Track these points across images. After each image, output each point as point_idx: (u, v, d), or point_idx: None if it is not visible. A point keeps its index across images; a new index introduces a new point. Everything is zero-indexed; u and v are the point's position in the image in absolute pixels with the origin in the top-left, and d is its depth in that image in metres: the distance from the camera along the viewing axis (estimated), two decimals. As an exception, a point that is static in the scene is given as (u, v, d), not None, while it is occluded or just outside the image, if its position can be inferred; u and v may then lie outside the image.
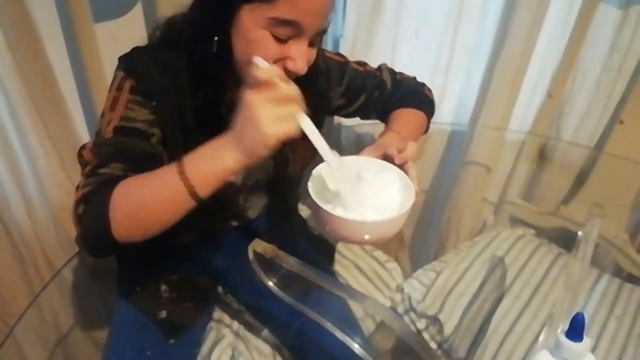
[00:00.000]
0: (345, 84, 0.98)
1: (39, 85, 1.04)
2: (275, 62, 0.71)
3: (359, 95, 1.01)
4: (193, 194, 0.62)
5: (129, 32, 1.14)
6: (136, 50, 0.79)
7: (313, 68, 0.78)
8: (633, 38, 1.26)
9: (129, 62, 0.77)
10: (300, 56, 0.71)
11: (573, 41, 1.30)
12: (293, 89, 0.61)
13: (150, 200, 0.64)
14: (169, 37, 0.80)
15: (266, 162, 0.95)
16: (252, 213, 1.01)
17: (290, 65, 0.71)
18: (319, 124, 0.99)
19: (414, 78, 1.06)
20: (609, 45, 1.30)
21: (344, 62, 0.99)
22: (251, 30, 0.69)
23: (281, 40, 0.69)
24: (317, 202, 0.65)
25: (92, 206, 0.66)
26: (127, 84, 0.74)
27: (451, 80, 1.41)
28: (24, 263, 1.18)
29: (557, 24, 1.31)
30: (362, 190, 0.69)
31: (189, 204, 0.63)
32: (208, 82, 0.77)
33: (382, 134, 0.89)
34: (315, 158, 0.96)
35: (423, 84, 1.04)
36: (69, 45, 1.11)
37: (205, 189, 0.62)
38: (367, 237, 0.66)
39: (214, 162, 0.61)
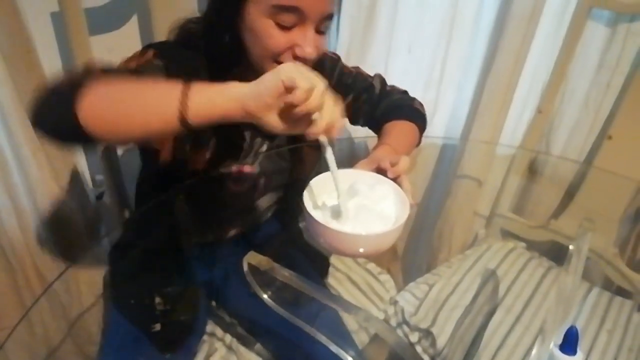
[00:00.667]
0: (335, 78, 0.99)
1: (32, 96, 1.04)
2: (284, 51, 0.73)
3: (347, 94, 1.01)
4: (183, 116, 0.60)
5: (125, 45, 1.15)
6: (162, 42, 0.81)
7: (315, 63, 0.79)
8: (621, 55, 1.28)
9: (159, 45, 0.79)
10: (306, 41, 0.73)
11: (562, 57, 1.33)
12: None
13: (133, 102, 0.62)
14: (183, 38, 0.82)
15: (282, 164, 0.96)
16: (261, 213, 1.03)
17: (299, 51, 0.73)
18: None
19: (406, 91, 1.07)
20: (597, 62, 1.33)
21: (336, 58, 1.01)
22: (256, 21, 0.72)
23: (286, 29, 0.72)
24: (311, 215, 0.65)
25: (63, 84, 0.64)
26: (151, 53, 0.76)
27: (443, 94, 1.43)
28: (15, 274, 1.16)
29: (547, 40, 1.33)
30: (356, 203, 0.69)
31: (171, 125, 0.61)
32: (222, 77, 0.79)
33: (375, 148, 0.89)
34: (318, 165, 0.98)
35: (414, 98, 1.05)
36: (64, 57, 1.11)
37: (196, 117, 0.60)
38: (361, 250, 0.67)
39: (220, 93, 0.61)
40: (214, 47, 0.78)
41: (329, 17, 0.75)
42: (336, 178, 0.67)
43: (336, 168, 0.66)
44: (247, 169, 0.93)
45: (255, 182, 0.95)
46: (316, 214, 0.66)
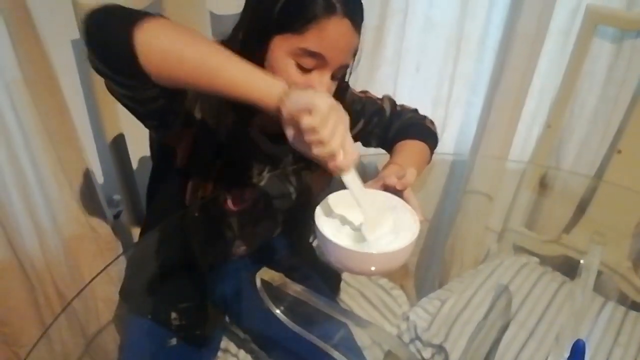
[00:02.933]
0: (347, 103, 1.00)
1: (54, 120, 1.08)
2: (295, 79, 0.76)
3: (358, 120, 1.02)
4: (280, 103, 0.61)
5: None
6: None
7: None
8: (627, 70, 1.29)
9: None
10: (322, 86, 0.76)
11: (569, 73, 1.34)
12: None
13: (202, 53, 0.63)
14: None
15: (287, 189, 0.98)
16: (264, 234, 1.04)
17: None
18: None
19: (416, 110, 1.07)
20: (604, 77, 1.33)
21: (344, 87, 1.02)
22: (280, 59, 0.75)
23: (305, 70, 0.75)
24: (323, 234, 0.65)
25: (118, 21, 0.62)
26: None
27: (452, 112, 1.45)
28: (35, 293, 1.19)
29: (554, 57, 1.35)
30: (367, 220, 0.69)
31: (259, 100, 0.63)
32: (238, 106, 0.82)
33: (384, 167, 0.90)
34: (327, 188, 1.00)
35: (424, 117, 1.06)
36: (84, 83, 1.15)
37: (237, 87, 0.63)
38: (373, 268, 0.67)
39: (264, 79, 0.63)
40: None
41: (346, 66, 0.80)
42: (357, 198, 0.67)
43: (359, 190, 0.67)
44: (248, 191, 0.95)
45: (255, 204, 0.97)
46: (329, 232, 0.66)
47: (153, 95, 0.70)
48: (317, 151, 0.60)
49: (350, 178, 0.65)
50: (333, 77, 0.79)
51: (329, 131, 0.58)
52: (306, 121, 0.58)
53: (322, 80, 0.77)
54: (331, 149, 0.59)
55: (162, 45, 0.62)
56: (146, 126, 0.85)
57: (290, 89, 0.62)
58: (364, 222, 0.69)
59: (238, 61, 0.64)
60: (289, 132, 0.62)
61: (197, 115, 0.83)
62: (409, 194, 0.74)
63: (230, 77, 0.63)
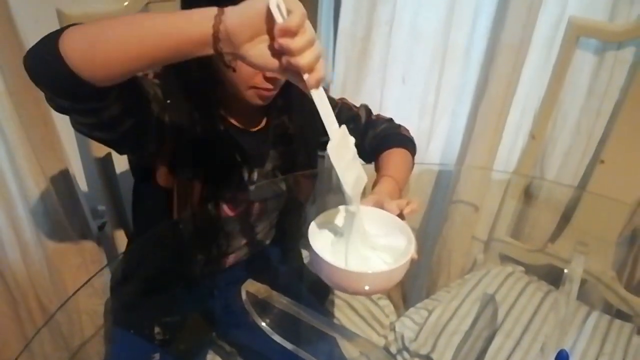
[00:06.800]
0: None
1: (37, 129, 1.07)
2: (254, 74, 0.76)
3: None
4: (216, 34, 0.54)
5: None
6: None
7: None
8: (609, 81, 1.31)
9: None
10: None
11: (552, 84, 1.36)
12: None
13: (121, 28, 0.59)
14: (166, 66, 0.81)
15: (280, 188, 0.98)
16: (258, 240, 1.03)
17: (268, 72, 0.69)
18: (313, 159, 1.03)
19: (391, 119, 1.08)
20: (587, 88, 1.35)
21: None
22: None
23: None
24: (317, 253, 0.64)
25: (44, 39, 0.60)
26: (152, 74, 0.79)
27: (437, 122, 1.46)
28: (17, 307, 1.17)
29: (537, 68, 1.37)
30: (363, 239, 0.69)
31: (195, 43, 0.56)
32: (200, 105, 0.81)
33: (377, 181, 0.88)
34: (314, 193, 0.99)
35: (399, 125, 1.07)
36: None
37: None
38: (367, 288, 0.65)
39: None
40: (192, 74, 0.81)
41: None
42: (349, 210, 0.66)
43: (327, 108, 0.60)
44: (240, 195, 0.94)
45: (250, 207, 0.97)
46: (322, 250, 0.64)
47: (116, 113, 0.69)
48: (292, 62, 0.53)
49: (320, 94, 0.58)
50: None
51: (308, 37, 0.53)
52: (284, 24, 0.51)
53: None
54: (308, 59, 0.53)
55: (81, 42, 0.59)
56: (123, 153, 0.85)
57: (222, 10, 0.54)
58: (355, 239, 0.68)
59: (157, 15, 0.59)
60: (250, 51, 0.55)
61: (167, 123, 0.81)
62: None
63: (156, 32, 0.57)
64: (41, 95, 1.03)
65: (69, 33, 0.59)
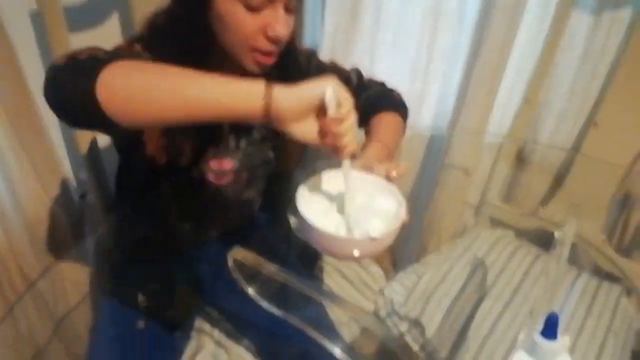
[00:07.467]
0: (311, 73, 0.97)
1: (14, 97, 1.03)
2: (256, 34, 0.73)
3: None
4: (267, 110, 0.61)
5: (106, 43, 1.13)
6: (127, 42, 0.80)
7: (290, 55, 0.82)
8: (605, 43, 1.28)
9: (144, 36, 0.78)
10: (277, 20, 0.72)
11: (548, 46, 1.33)
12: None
13: (167, 84, 0.60)
14: (153, 34, 0.80)
15: (266, 156, 0.96)
16: (247, 207, 1.02)
17: (270, 31, 0.73)
18: None
19: (383, 83, 1.06)
20: (582, 50, 1.32)
21: (310, 53, 1.00)
22: (225, 7, 0.71)
23: (256, 11, 0.71)
24: (306, 218, 0.63)
25: (78, 74, 0.59)
26: (138, 46, 0.76)
27: (429, 85, 1.43)
28: (-1, 278, 1.15)
29: (532, 30, 1.33)
30: (353, 204, 0.68)
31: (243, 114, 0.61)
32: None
33: (366, 146, 0.87)
34: (304, 159, 0.98)
35: (392, 89, 1.05)
36: (44, 56, 1.09)
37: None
38: (357, 253, 0.66)
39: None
40: (182, 41, 0.76)
41: None
42: (348, 183, 0.68)
43: (352, 174, 0.68)
44: (226, 163, 0.91)
45: (238, 175, 0.94)
46: (311, 216, 0.64)
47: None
48: (335, 141, 0.62)
49: (349, 163, 0.67)
50: (287, 10, 0.74)
51: (351, 122, 0.62)
52: (339, 116, 0.60)
53: (277, 16, 0.73)
54: (349, 139, 0.63)
55: (122, 92, 0.58)
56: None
57: (271, 88, 0.60)
58: (348, 205, 0.67)
59: (203, 79, 0.61)
60: (296, 129, 0.62)
61: None
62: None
63: (203, 99, 0.60)
64: (15, 59, 0.99)
65: (109, 77, 0.57)
